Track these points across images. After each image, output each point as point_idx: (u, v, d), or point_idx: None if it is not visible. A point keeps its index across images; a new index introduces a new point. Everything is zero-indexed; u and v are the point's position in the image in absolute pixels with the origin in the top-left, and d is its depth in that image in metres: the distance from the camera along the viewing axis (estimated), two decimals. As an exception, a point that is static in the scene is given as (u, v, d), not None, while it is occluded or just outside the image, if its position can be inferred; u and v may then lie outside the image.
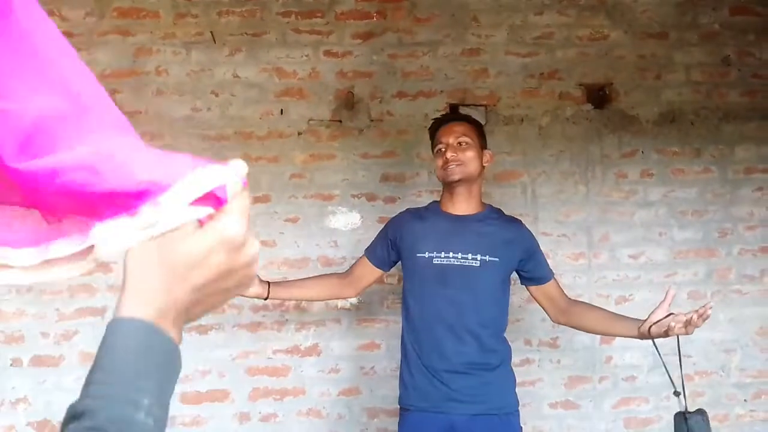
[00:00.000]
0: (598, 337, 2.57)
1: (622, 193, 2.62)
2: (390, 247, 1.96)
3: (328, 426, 2.48)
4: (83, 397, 0.44)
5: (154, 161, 0.49)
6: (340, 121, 2.52)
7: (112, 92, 2.40)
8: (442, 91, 2.57)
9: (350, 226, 2.51)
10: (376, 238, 2.02)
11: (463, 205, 1.88)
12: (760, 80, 2.69)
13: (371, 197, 2.52)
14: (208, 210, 0.48)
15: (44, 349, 2.39)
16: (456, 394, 1.79)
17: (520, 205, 2.57)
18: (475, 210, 1.90)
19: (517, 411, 1.88)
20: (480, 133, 1.92)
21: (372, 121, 2.53)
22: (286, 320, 2.48)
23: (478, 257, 1.82)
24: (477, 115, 2.56)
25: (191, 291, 0.48)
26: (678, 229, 2.63)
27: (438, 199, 1.97)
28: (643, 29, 2.65)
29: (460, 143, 1.85)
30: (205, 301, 0.49)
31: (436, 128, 1.92)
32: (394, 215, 2.03)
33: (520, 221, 1.97)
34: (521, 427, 1.86)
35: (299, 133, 2.51)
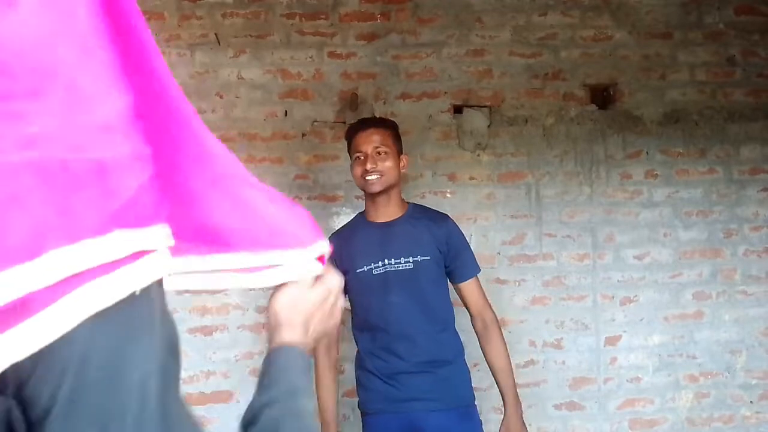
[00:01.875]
0: (603, 337, 2.57)
1: (626, 193, 2.62)
2: (344, 274, 1.93)
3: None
4: (265, 405, 0.60)
5: (290, 217, 0.66)
6: (344, 122, 2.52)
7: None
8: (446, 92, 2.57)
9: (354, 227, 2.52)
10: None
11: (386, 211, 1.91)
12: (765, 80, 2.68)
13: (375, 198, 2.52)
14: (320, 266, 0.69)
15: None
16: (414, 393, 1.82)
17: (524, 205, 2.57)
18: (398, 213, 1.92)
19: (475, 404, 1.91)
20: (397, 138, 1.92)
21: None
22: (291, 321, 2.48)
23: (410, 259, 1.86)
24: (480, 116, 2.57)
25: (316, 323, 0.69)
26: (683, 229, 2.62)
27: (362, 211, 1.99)
28: (648, 29, 2.65)
29: (378, 152, 1.84)
30: (318, 330, 0.70)
31: (352, 134, 1.91)
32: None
33: (447, 216, 1.98)
34: (481, 421, 1.89)
35: (303, 134, 2.51)
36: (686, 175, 2.64)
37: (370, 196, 1.90)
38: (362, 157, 1.85)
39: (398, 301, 1.85)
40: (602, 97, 2.66)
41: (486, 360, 1.93)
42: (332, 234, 1.99)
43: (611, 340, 2.57)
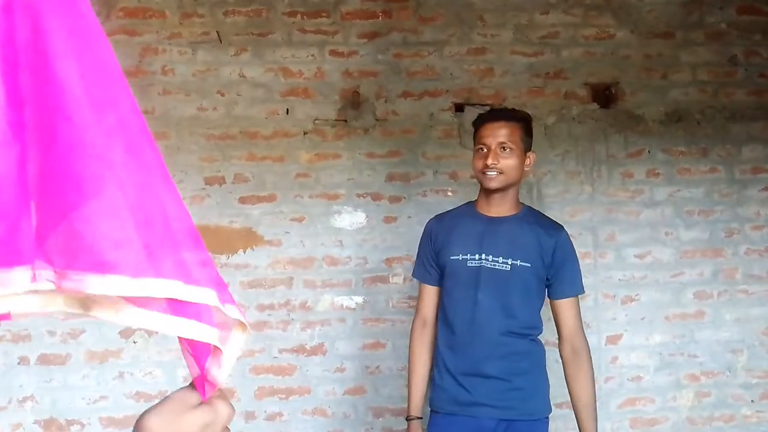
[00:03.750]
0: (604, 336, 2.57)
1: (628, 192, 2.62)
2: (437, 258, 1.89)
3: (334, 425, 2.48)
4: None
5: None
6: (346, 121, 2.53)
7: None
8: (447, 91, 2.57)
9: (355, 225, 2.52)
10: (419, 258, 1.96)
11: (498, 208, 1.83)
12: (767, 80, 2.68)
13: (376, 197, 2.52)
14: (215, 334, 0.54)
15: (51, 347, 2.40)
16: (484, 398, 1.76)
17: (526, 204, 2.56)
18: (510, 212, 1.83)
19: (547, 418, 1.82)
20: (527, 134, 1.82)
21: (377, 120, 2.53)
22: (292, 320, 2.49)
23: (509, 261, 1.78)
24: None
25: None
26: (684, 228, 2.62)
27: (473, 200, 1.92)
28: (650, 29, 2.64)
29: (503, 147, 1.75)
30: None
31: (480, 124, 1.82)
32: (424, 226, 1.97)
33: (560, 227, 1.88)
34: None
35: (305, 133, 2.51)
36: (688, 175, 2.63)
37: (485, 191, 1.82)
38: (484, 150, 1.77)
39: (484, 300, 1.77)
40: (604, 96, 2.66)
41: (569, 390, 1.82)
42: (433, 217, 1.95)
43: (612, 339, 2.57)
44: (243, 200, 2.48)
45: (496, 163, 1.74)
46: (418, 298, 1.96)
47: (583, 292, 1.87)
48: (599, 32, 2.63)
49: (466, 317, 1.79)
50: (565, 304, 1.82)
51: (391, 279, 2.50)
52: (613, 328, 2.58)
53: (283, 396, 2.47)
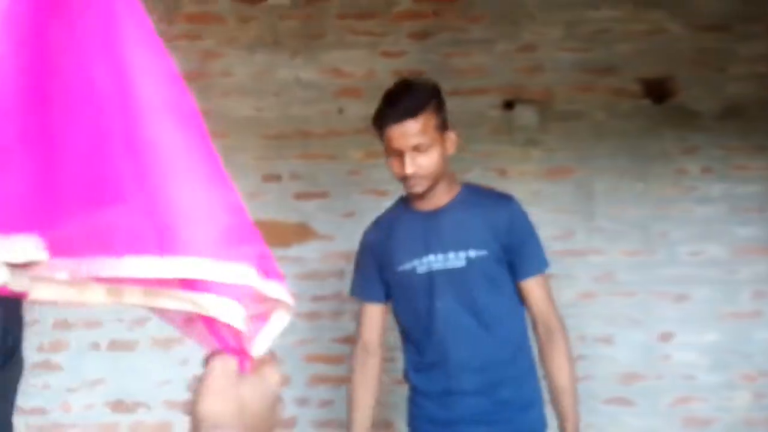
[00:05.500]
0: (654, 334, 2.55)
1: (681, 189, 2.58)
2: (381, 273, 1.63)
3: (383, 414, 2.55)
4: None
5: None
6: (396, 119, 2.59)
7: (182, 94, 2.55)
8: (496, 88, 2.60)
9: (405, 221, 2.58)
10: (357, 273, 1.69)
11: (433, 200, 1.57)
12: (830, 72, 2.59)
13: (425, 193, 2.58)
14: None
15: (119, 333, 2.57)
16: (467, 415, 1.55)
17: (574, 201, 2.57)
18: (448, 198, 1.57)
19: None
20: (438, 115, 1.52)
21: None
22: (343, 311, 2.58)
23: (462, 255, 1.53)
24: (530, 111, 2.58)
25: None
26: (740, 226, 2.57)
27: (404, 195, 1.66)
28: (704, 21, 2.59)
29: (416, 148, 1.48)
30: None
31: (382, 126, 1.53)
32: (361, 240, 1.72)
33: (509, 197, 1.62)
34: None
35: (356, 131, 2.59)
36: (744, 171, 2.58)
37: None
38: (396, 154, 1.52)
39: (445, 308, 1.53)
40: (656, 91, 2.63)
41: (545, 375, 1.61)
42: (369, 226, 1.71)
43: (663, 337, 2.55)
44: (297, 196, 2.58)
45: (415, 170, 1.49)
46: (359, 321, 1.68)
47: (548, 266, 1.60)
48: (651, 27, 2.60)
49: (429, 331, 1.56)
50: (531, 285, 1.57)
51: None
52: (665, 326, 2.55)
53: (335, 384, 2.56)
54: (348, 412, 1.65)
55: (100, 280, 0.49)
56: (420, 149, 1.48)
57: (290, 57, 2.59)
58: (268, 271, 0.52)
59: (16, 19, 0.45)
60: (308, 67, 2.59)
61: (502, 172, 2.58)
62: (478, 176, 2.57)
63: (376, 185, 2.58)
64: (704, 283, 2.56)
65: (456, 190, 1.60)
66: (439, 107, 1.54)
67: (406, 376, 1.67)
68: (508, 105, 2.60)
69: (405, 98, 1.51)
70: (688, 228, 2.57)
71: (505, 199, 1.62)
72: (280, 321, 0.55)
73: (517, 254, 1.57)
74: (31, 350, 2.52)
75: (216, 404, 0.48)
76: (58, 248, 0.47)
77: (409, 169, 1.48)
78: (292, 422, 2.55)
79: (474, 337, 1.55)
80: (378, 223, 1.70)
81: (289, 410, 2.55)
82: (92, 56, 0.50)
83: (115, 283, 0.49)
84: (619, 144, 2.59)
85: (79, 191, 0.49)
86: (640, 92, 2.60)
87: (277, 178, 2.58)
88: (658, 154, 2.59)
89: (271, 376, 0.52)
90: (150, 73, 0.51)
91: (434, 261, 1.54)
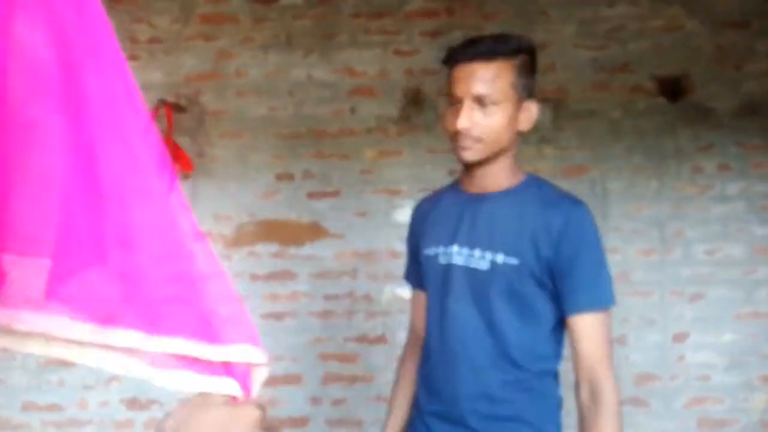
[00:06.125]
0: (670, 334, 2.52)
1: (697, 187, 2.56)
2: (417, 254, 1.41)
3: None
4: None
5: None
6: (408, 118, 2.59)
7: (197, 93, 2.57)
8: (509, 87, 2.58)
9: (418, 220, 2.58)
10: (406, 257, 1.48)
11: (483, 182, 1.25)
12: None
13: (438, 192, 2.57)
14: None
15: (135, 331, 2.59)
16: None
17: (589, 200, 2.53)
18: (501, 186, 1.24)
19: None
20: (523, 73, 1.19)
21: (439, 117, 2.58)
22: (356, 310, 2.58)
23: (488, 256, 1.21)
24: (544, 109, 2.57)
25: None
26: (758, 224, 2.53)
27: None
28: (722, 18, 2.56)
29: (480, 98, 1.16)
30: None
31: (451, 64, 1.21)
32: (411, 216, 1.48)
33: (577, 202, 1.21)
34: None
35: (369, 131, 2.59)
36: (762, 169, 2.54)
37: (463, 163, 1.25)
38: (457, 103, 1.19)
39: (457, 312, 1.24)
40: (672, 89, 2.60)
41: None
42: (421, 199, 1.44)
43: (679, 337, 2.52)
44: (310, 196, 2.59)
45: (468, 126, 1.17)
46: (410, 309, 1.48)
47: (613, 303, 1.19)
48: (667, 23, 2.58)
49: (435, 336, 1.29)
50: (579, 323, 1.17)
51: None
52: (680, 325, 2.53)
53: (348, 383, 2.57)
54: (390, 402, 1.44)
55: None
56: (483, 102, 1.16)
57: (303, 57, 2.60)
58: (250, 338, 0.56)
59: None
60: (321, 66, 2.60)
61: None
62: (491, 175, 2.58)
63: (389, 185, 2.59)
64: (721, 282, 2.53)
65: (517, 179, 1.25)
66: (527, 66, 1.20)
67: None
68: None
69: (487, 40, 1.19)
70: (704, 227, 2.54)
71: (569, 202, 1.21)
72: (261, 374, 0.60)
73: (564, 277, 1.17)
74: (48, 347, 2.56)
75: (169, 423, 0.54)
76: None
77: (463, 123, 1.16)
78: (305, 421, 2.56)
79: (486, 358, 1.21)
80: (427, 198, 1.42)
81: (302, 409, 2.56)
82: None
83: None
84: (634, 142, 2.57)
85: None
86: (655, 90, 2.58)
87: (289, 177, 2.59)
88: (674, 152, 2.56)
89: (249, 409, 0.58)
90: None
91: (456, 253, 1.24)
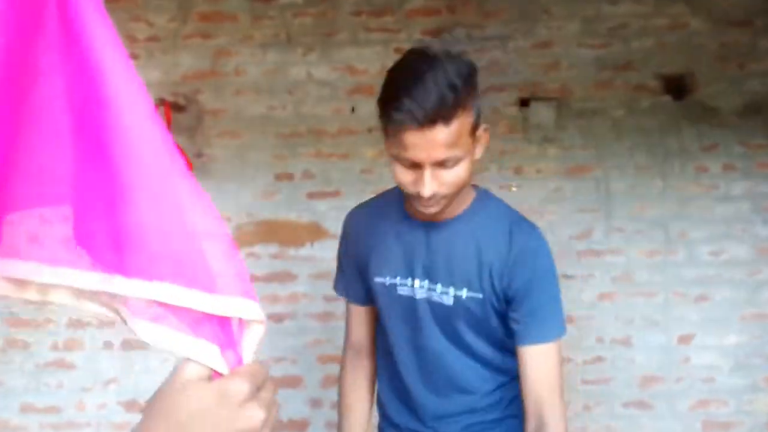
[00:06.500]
0: (675, 336, 2.50)
1: (701, 187, 2.53)
2: (359, 271, 1.32)
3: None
4: None
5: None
6: (410, 117, 2.57)
7: (195, 93, 2.54)
8: (512, 85, 2.56)
9: (419, 220, 2.55)
10: (339, 266, 1.40)
11: (438, 213, 1.16)
12: None
13: (440, 192, 2.55)
14: (222, 365, 0.49)
15: (132, 333, 2.56)
16: None
17: (593, 200, 2.53)
18: (454, 211, 1.19)
19: None
20: (473, 110, 1.09)
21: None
22: (357, 312, 2.55)
23: (450, 291, 1.18)
24: (547, 108, 2.54)
25: None
26: (762, 224, 2.51)
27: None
28: (726, 16, 2.54)
29: (443, 162, 1.06)
30: None
31: (397, 128, 1.07)
32: (343, 225, 1.40)
33: (529, 229, 1.19)
34: None
35: (369, 130, 2.56)
36: (766, 169, 2.52)
37: None
38: (411, 165, 1.08)
39: (437, 348, 1.23)
40: (676, 87, 2.57)
41: None
42: (354, 209, 1.39)
43: (683, 339, 2.50)
44: (310, 195, 2.56)
45: (436, 190, 1.08)
46: (346, 319, 1.42)
47: (563, 333, 1.17)
48: (671, 22, 2.55)
49: (410, 362, 1.26)
50: (529, 354, 1.14)
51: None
52: (685, 327, 2.50)
53: (348, 386, 2.54)
54: (339, 420, 1.40)
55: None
56: (447, 165, 1.06)
57: (303, 55, 2.57)
58: (246, 291, 0.51)
59: None
60: (321, 64, 2.57)
61: (518, 171, 2.54)
62: (494, 175, 2.55)
63: (389, 184, 2.55)
64: (725, 283, 2.50)
65: (467, 199, 1.20)
66: (475, 95, 1.09)
67: (379, 398, 1.38)
68: (524, 102, 2.56)
69: (432, 87, 1.02)
70: (708, 227, 2.52)
71: (523, 232, 1.17)
72: (257, 333, 0.53)
73: (516, 308, 1.16)
74: (45, 349, 2.54)
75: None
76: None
77: (428, 190, 1.06)
78: (305, 424, 2.53)
79: (467, 376, 1.23)
80: (361, 212, 1.35)
81: (302, 411, 2.53)
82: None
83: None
84: (637, 141, 2.54)
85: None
86: (659, 88, 2.55)
87: (289, 177, 2.56)
88: (677, 152, 2.53)
89: (237, 382, 0.49)
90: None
91: (418, 287, 1.21)
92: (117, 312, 0.53)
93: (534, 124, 2.55)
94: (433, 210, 1.12)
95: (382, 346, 1.34)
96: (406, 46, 2.56)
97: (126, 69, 0.47)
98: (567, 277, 2.50)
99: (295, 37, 2.58)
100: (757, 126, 2.53)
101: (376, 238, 1.27)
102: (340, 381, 1.42)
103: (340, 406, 1.40)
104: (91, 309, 0.55)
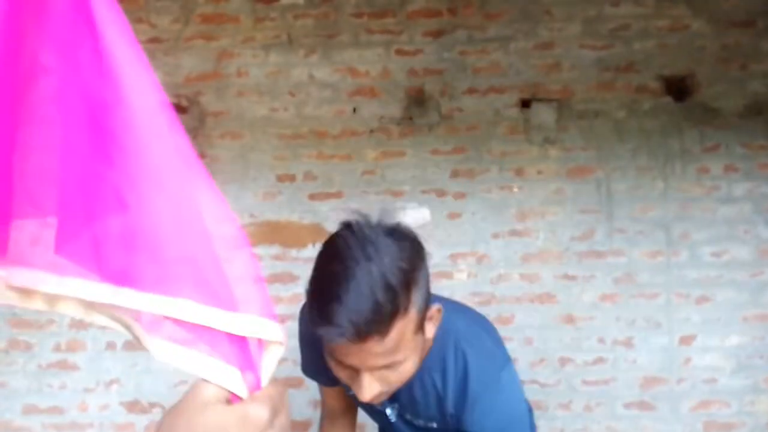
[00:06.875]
0: (677, 337, 2.50)
1: (703, 188, 2.53)
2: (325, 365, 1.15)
3: (399, 417, 2.54)
4: None
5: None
6: (411, 119, 2.57)
7: (197, 94, 2.55)
8: (513, 87, 2.56)
9: (420, 221, 2.56)
10: (305, 354, 1.33)
11: None
12: None
13: (441, 193, 2.55)
14: (242, 388, 0.47)
15: (136, 334, 2.57)
16: None
17: (594, 201, 2.53)
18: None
19: None
20: (418, 307, 0.97)
21: (442, 117, 2.56)
22: (358, 313, 2.56)
23: (421, 422, 1.22)
24: (548, 110, 2.54)
25: None
26: (764, 226, 2.50)
27: None
28: (728, 17, 2.54)
29: (386, 366, 0.97)
30: None
31: (331, 341, 0.94)
32: (300, 325, 1.32)
33: (493, 398, 1.09)
34: None
35: (371, 131, 2.57)
36: (768, 170, 2.52)
37: None
38: (349, 367, 0.99)
39: None
40: (678, 89, 2.57)
41: None
42: (303, 316, 1.31)
43: (685, 340, 2.50)
44: (312, 197, 2.56)
45: (379, 392, 1.00)
46: (320, 394, 1.42)
47: None
48: (673, 23, 2.55)
49: None
50: None
51: (455, 275, 2.53)
52: (686, 328, 2.50)
53: (350, 387, 2.55)
54: None
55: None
56: (389, 367, 0.97)
57: (305, 56, 2.58)
58: (267, 312, 0.49)
59: None
60: (323, 66, 2.58)
61: (519, 172, 2.55)
62: (495, 176, 2.55)
63: (391, 186, 2.56)
64: (727, 284, 2.50)
65: (427, 345, 1.10)
66: (420, 281, 0.98)
67: None
68: (525, 103, 2.56)
69: (365, 292, 0.90)
70: (710, 228, 2.51)
71: (475, 399, 1.08)
72: (275, 354, 0.51)
73: None
74: (47, 350, 2.54)
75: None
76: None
77: (367, 395, 0.98)
78: (307, 424, 2.54)
79: None
80: (309, 326, 1.10)
81: (304, 413, 2.53)
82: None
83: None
84: (639, 143, 2.54)
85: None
86: (661, 90, 2.55)
87: (291, 178, 2.57)
88: (679, 153, 2.53)
89: (257, 407, 0.48)
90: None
91: (389, 413, 1.23)
92: (129, 328, 0.50)
93: (535, 126, 2.55)
94: (377, 401, 1.05)
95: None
96: (408, 48, 2.58)
97: (143, 68, 0.47)
98: (568, 277, 2.51)
99: (296, 39, 2.58)
100: (759, 127, 2.53)
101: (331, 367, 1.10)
102: None
103: None
104: (102, 322, 0.52)
